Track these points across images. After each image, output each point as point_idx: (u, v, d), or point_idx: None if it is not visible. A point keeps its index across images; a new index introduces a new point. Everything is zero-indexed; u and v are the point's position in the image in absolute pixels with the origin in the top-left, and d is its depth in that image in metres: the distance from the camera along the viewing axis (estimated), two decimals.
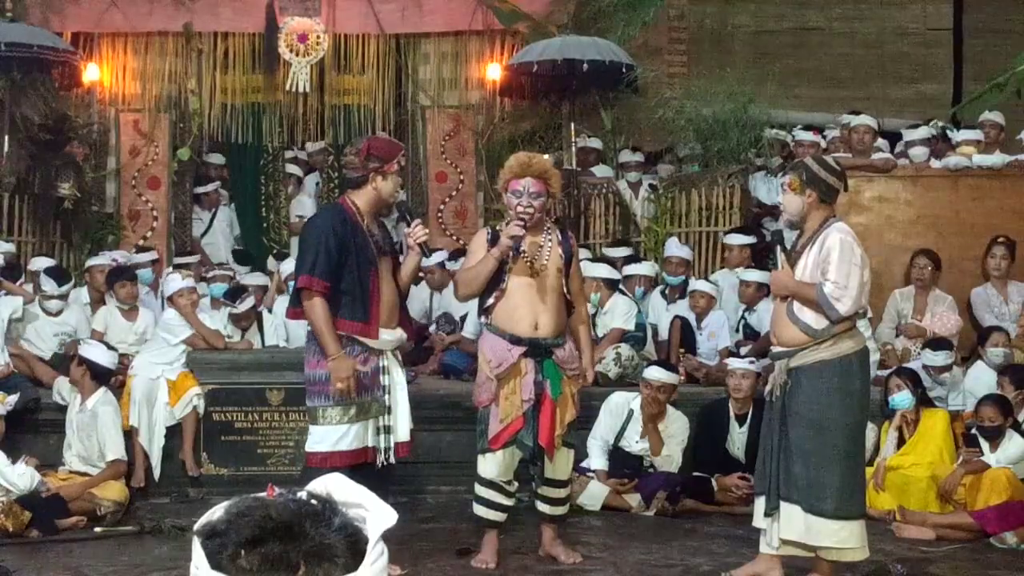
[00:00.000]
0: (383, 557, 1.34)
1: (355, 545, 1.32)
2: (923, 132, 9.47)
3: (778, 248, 5.44)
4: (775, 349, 5.37)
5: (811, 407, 5.14)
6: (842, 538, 5.16)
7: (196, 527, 1.34)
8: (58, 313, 8.13)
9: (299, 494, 1.36)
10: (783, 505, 5.19)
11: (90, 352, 7.13)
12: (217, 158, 10.99)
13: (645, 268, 8.93)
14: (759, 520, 5.35)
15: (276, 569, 1.29)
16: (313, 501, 1.34)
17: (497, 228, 5.79)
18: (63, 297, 8.14)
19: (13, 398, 6.81)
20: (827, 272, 5.10)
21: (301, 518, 1.31)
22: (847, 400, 5.18)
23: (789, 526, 5.19)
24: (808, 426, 5.14)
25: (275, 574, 1.29)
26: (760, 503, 5.34)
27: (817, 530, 5.14)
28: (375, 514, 1.35)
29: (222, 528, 1.32)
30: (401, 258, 5.87)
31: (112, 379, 7.36)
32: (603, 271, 8.32)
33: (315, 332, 5.41)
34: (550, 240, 5.74)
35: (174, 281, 7.94)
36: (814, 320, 5.15)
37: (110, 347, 7.36)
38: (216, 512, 1.34)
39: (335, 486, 1.38)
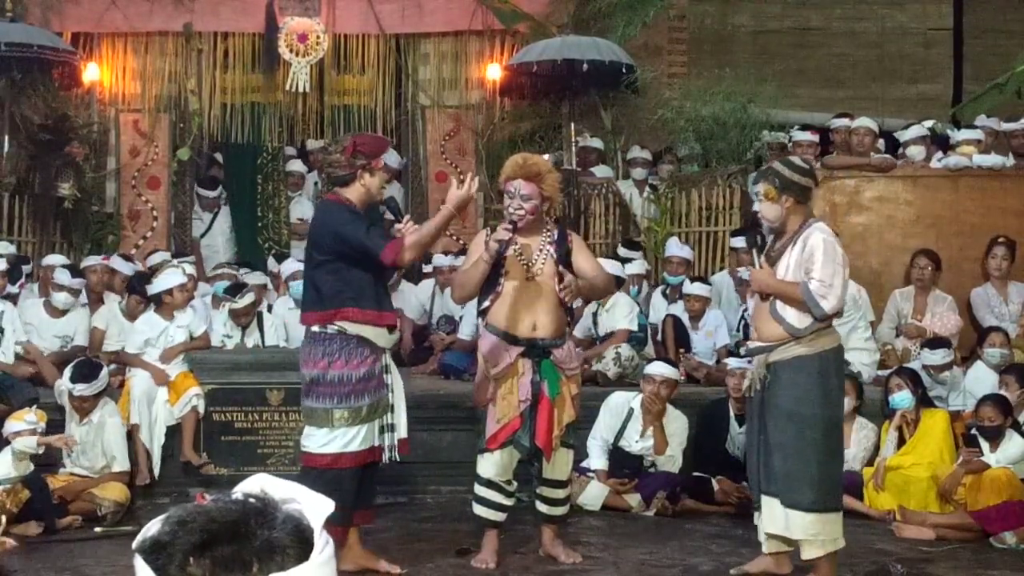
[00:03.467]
0: (330, 544, 1.35)
1: (302, 535, 1.32)
2: (915, 131, 9.49)
3: (754, 251, 5.46)
4: (754, 344, 5.41)
5: (788, 400, 5.22)
6: (817, 531, 5.23)
7: (135, 545, 1.32)
8: (63, 312, 8.09)
9: (234, 495, 1.35)
10: (764, 499, 5.28)
11: (80, 391, 6.97)
12: (219, 158, 10.99)
13: (636, 267, 8.91)
14: (756, 517, 5.44)
15: (230, 570, 1.28)
16: (252, 500, 1.34)
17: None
18: (73, 292, 8.10)
19: (32, 417, 6.76)
20: (811, 271, 5.19)
21: (246, 516, 1.31)
22: (824, 395, 5.27)
23: (771, 520, 5.27)
24: (786, 419, 5.22)
25: (229, 575, 1.28)
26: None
27: (795, 523, 5.21)
28: (311, 504, 1.36)
29: (166, 539, 1.30)
30: None
31: (110, 383, 7.36)
32: (610, 268, 8.30)
33: (436, 235, 5.57)
34: (548, 242, 5.72)
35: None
36: (796, 319, 5.24)
37: (93, 366, 7.19)
38: (152, 527, 1.33)
39: (267, 484, 1.38)
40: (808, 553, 5.28)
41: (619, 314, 8.21)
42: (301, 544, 1.31)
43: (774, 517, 5.24)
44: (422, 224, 5.61)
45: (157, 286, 7.74)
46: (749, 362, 7.32)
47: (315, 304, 5.51)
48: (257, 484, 1.37)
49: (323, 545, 1.33)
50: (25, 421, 6.66)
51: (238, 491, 1.36)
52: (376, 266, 5.43)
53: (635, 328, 8.20)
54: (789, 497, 5.19)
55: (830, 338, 5.34)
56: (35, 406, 6.91)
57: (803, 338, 5.22)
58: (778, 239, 5.39)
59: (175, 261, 8.76)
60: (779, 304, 5.27)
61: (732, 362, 7.47)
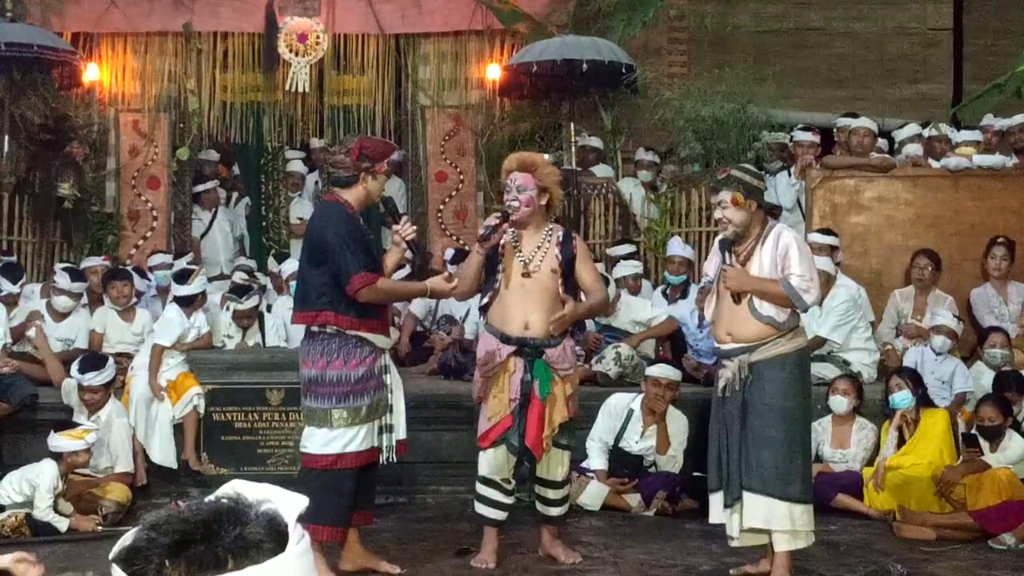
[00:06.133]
0: (305, 537, 1.35)
1: (276, 529, 1.32)
2: (911, 129, 9.50)
3: (726, 253, 5.49)
4: (730, 346, 5.47)
5: (776, 397, 5.37)
6: (806, 521, 5.40)
7: (112, 555, 1.33)
8: (65, 315, 8.10)
9: (207, 499, 1.36)
10: (746, 495, 5.36)
11: (90, 380, 7.05)
12: (211, 154, 10.98)
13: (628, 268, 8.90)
14: (717, 515, 5.53)
15: (205, 568, 1.28)
16: (225, 500, 1.34)
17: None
18: (74, 296, 8.10)
19: (93, 436, 6.74)
20: (789, 267, 5.36)
21: (218, 515, 1.31)
22: (804, 389, 5.55)
23: (753, 515, 5.37)
24: (776, 415, 5.36)
25: (205, 574, 1.28)
26: (717, 498, 5.50)
27: (783, 515, 5.33)
28: (285, 501, 1.36)
29: (142, 545, 1.31)
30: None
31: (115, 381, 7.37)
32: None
33: (401, 298, 5.43)
34: (549, 240, 5.73)
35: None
36: (775, 312, 5.40)
37: (99, 357, 7.26)
38: (128, 536, 1.34)
39: (240, 487, 1.38)
40: (788, 545, 5.38)
41: (635, 312, 8.25)
42: (276, 538, 1.31)
43: (756, 512, 5.36)
44: (400, 281, 5.63)
45: (196, 287, 7.86)
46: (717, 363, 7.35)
47: (301, 304, 5.54)
48: (231, 488, 1.38)
49: (298, 538, 1.33)
50: (85, 441, 6.63)
51: (212, 496, 1.37)
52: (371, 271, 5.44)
53: (662, 315, 8.38)
54: (781, 490, 5.33)
55: (803, 336, 5.63)
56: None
57: (784, 335, 5.40)
58: (738, 243, 5.50)
59: (183, 261, 8.83)
60: (757, 302, 5.40)
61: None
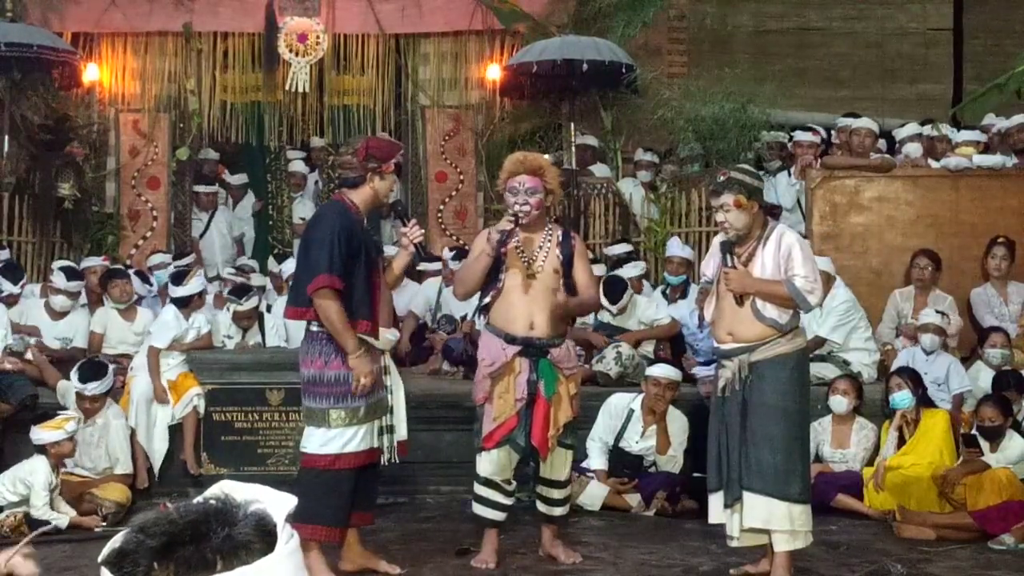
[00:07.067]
0: (295, 537, 1.35)
1: (265, 529, 1.32)
2: (912, 128, 9.51)
3: (727, 255, 5.49)
4: (730, 346, 5.48)
5: (776, 396, 5.37)
6: (804, 521, 5.40)
7: (101, 557, 1.32)
8: (63, 314, 8.09)
9: (195, 500, 1.36)
10: (746, 495, 5.37)
11: (93, 390, 7.02)
12: (211, 154, 10.98)
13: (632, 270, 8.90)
14: (716, 515, 5.54)
15: (194, 570, 1.28)
16: (213, 501, 1.34)
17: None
18: (71, 295, 8.09)
19: (72, 425, 6.72)
20: (792, 268, 5.37)
21: (207, 516, 1.31)
22: (803, 389, 5.56)
23: (752, 514, 5.37)
24: (776, 415, 5.37)
25: (194, 575, 1.28)
26: (717, 499, 5.50)
27: (783, 515, 5.34)
28: (274, 501, 1.36)
29: (131, 547, 1.31)
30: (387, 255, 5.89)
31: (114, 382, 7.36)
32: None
33: (333, 331, 5.29)
34: (549, 240, 5.73)
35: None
36: (778, 315, 5.41)
37: (99, 365, 7.23)
38: (116, 540, 1.33)
39: (228, 487, 1.38)
40: (788, 545, 5.38)
41: (646, 314, 8.32)
42: (265, 538, 1.31)
43: (756, 512, 5.36)
44: (346, 322, 5.28)
45: (192, 288, 7.84)
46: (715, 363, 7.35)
47: (294, 299, 5.54)
48: (219, 489, 1.38)
49: (287, 538, 1.33)
50: (65, 430, 6.60)
51: (200, 497, 1.37)
52: (367, 272, 5.41)
53: (667, 317, 8.43)
54: (781, 489, 5.33)
55: (803, 336, 5.65)
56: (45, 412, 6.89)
57: (785, 335, 5.41)
58: (739, 244, 5.51)
59: (183, 261, 8.84)
60: (760, 304, 5.41)
61: (700, 371, 7.53)
